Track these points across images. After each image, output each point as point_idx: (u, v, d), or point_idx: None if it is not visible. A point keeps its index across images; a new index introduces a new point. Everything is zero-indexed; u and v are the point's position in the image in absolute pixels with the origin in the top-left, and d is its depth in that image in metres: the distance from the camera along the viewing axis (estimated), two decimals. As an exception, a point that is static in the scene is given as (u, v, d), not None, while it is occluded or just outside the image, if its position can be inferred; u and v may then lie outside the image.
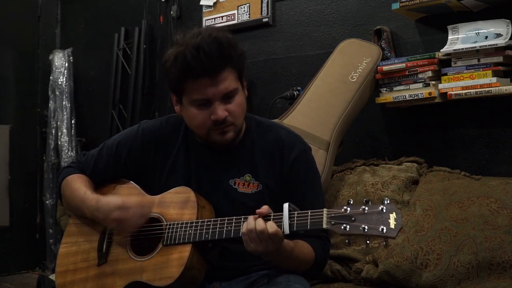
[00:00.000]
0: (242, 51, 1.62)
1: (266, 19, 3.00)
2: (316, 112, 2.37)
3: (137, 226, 1.61)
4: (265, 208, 1.47)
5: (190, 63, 1.51)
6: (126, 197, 1.72)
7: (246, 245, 1.46)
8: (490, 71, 2.06)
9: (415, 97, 2.25)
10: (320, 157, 2.25)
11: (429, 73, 2.23)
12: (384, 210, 1.33)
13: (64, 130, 4.02)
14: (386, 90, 2.36)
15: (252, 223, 1.43)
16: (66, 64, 4.10)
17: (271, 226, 1.41)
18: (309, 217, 1.41)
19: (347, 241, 1.38)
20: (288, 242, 1.51)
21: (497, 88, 2.05)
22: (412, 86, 2.27)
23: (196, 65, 1.51)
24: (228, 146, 1.68)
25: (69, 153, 3.98)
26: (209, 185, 1.68)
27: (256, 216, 1.46)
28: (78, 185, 1.73)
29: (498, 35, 2.08)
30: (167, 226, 1.59)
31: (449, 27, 2.21)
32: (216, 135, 1.61)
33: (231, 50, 1.56)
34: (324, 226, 1.37)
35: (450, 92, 2.15)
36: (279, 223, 1.42)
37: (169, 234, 1.57)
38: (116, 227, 1.63)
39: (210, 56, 1.50)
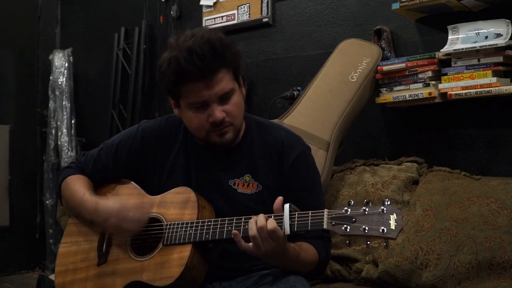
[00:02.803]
0: (237, 50, 1.62)
1: (266, 19, 3.00)
2: (316, 112, 2.37)
3: (135, 232, 1.61)
4: (278, 200, 1.47)
5: (183, 67, 1.51)
6: (127, 197, 1.72)
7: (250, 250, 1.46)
8: (490, 71, 2.06)
9: (415, 97, 2.25)
10: (320, 157, 2.25)
11: (429, 73, 2.23)
12: (385, 211, 1.33)
13: (64, 130, 4.02)
14: (386, 90, 2.36)
15: (253, 224, 1.44)
16: (66, 64, 4.10)
17: (270, 223, 1.42)
18: (309, 217, 1.41)
19: (347, 241, 1.38)
20: (294, 247, 1.52)
21: (497, 88, 2.05)
22: (412, 86, 2.27)
23: (189, 69, 1.51)
24: (227, 147, 1.68)
25: (69, 153, 3.99)
26: (209, 185, 1.68)
27: (255, 218, 1.45)
28: (77, 187, 1.73)
29: (498, 35, 2.08)
30: (167, 226, 1.59)
31: (449, 27, 2.21)
32: (215, 137, 1.61)
33: (224, 50, 1.55)
34: (325, 226, 1.38)
35: (450, 92, 2.15)
36: (280, 223, 1.42)
37: (169, 234, 1.57)
38: (114, 232, 1.64)
39: (203, 58, 1.50)
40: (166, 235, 1.58)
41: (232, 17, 3.13)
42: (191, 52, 1.50)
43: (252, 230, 1.43)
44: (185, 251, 1.53)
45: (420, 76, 2.26)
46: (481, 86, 2.07)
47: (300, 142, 1.73)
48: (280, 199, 1.47)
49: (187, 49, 1.51)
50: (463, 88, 2.12)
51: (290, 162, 1.67)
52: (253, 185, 1.67)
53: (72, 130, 4.06)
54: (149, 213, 1.63)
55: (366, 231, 1.33)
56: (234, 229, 1.49)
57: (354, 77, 2.38)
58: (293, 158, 1.68)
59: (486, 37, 2.11)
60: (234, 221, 1.51)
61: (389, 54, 2.43)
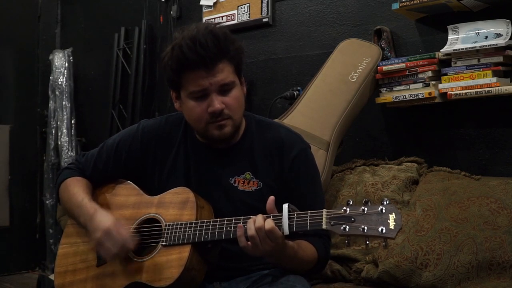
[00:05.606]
0: (240, 46, 1.62)
1: (266, 19, 3.00)
2: (316, 112, 2.37)
3: (115, 254, 1.57)
4: (270, 200, 1.46)
5: (186, 54, 1.52)
6: (125, 198, 1.72)
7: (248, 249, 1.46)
8: (490, 71, 2.06)
9: (415, 97, 2.25)
10: (320, 157, 2.25)
11: (429, 73, 2.23)
12: (384, 211, 1.33)
13: (64, 130, 4.02)
14: (386, 90, 2.36)
15: (252, 224, 1.44)
16: (66, 64, 4.10)
17: (268, 223, 1.42)
18: (308, 217, 1.41)
19: (346, 241, 1.38)
20: (292, 245, 1.51)
21: (497, 88, 2.04)
22: (412, 86, 2.27)
23: (191, 56, 1.52)
24: (227, 144, 1.68)
25: (69, 153, 3.99)
26: (209, 183, 1.68)
27: (254, 218, 1.45)
28: (76, 190, 1.73)
29: (498, 35, 2.08)
30: (166, 227, 1.59)
31: (449, 27, 2.21)
32: (213, 129, 1.60)
33: (227, 43, 1.57)
34: (324, 226, 1.37)
35: (450, 92, 2.15)
36: (278, 223, 1.42)
37: (169, 235, 1.57)
38: (97, 247, 1.61)
39: (205, 47, 1.51)
40: (165, 235, 1.58)
41: (232, 17, 3.13)
42: (195, 40, 1.52)
43: (251, 230, 1.43)
44: (184, 252, 1.53)
45: (420, 76, 2.26)
46: (481, 86, 2.07)
47: (300, 140, 1.73)
48: (271, 199, 1.47)
49: (190, 37, 1.53)
50: (463, 88, 2.12)
51: (290, 159, 1.67)
52: (254, 182, 1.66)
53: (72, 130, 4.06)
54: (131, 248, 1.59)
55: (365, 231, 1.32)
56: (234, 229, 1.48)
57: (354, 77, 2.38)
58: (293, 155, 1.68)
59: (486, 37, 2.10)
60: (233, 221, 1.50)
61: (389, 54, 2.43)
